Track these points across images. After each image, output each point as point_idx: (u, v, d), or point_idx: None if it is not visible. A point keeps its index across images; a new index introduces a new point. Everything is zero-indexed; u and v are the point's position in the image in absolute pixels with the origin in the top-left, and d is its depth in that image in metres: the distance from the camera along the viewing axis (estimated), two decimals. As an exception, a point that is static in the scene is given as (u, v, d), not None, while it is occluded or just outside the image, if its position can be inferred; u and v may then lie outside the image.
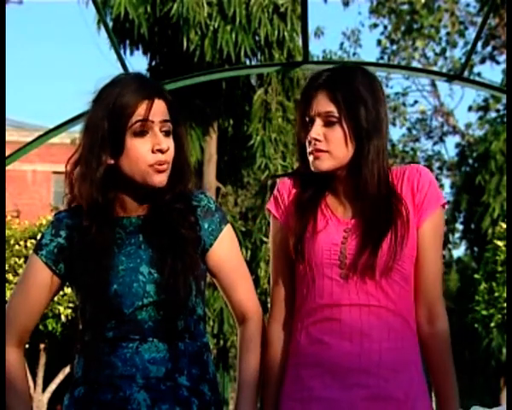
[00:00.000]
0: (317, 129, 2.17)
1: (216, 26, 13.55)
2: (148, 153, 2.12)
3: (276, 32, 13.77)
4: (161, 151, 2.13)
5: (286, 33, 13.84)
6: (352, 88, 2.16)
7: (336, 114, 2.15)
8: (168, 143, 2.15)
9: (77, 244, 2.17)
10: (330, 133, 2.16)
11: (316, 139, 2.17)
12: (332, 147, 2.16)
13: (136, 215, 2.20)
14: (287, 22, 13.82)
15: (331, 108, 2.16)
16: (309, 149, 2.19)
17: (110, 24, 13.53)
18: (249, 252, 14.34)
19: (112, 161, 2.14)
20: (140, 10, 13.61)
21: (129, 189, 2.18)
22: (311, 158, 2.19)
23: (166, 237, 2.15)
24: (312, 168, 2.20)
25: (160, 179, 2.14)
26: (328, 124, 2.17)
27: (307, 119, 2.20)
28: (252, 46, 13.72)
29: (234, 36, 13.53)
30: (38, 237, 2.13)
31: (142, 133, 2.12)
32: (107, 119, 2.11)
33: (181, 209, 2.18)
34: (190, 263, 2.16)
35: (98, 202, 2.14)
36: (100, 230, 2.14)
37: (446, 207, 2.30)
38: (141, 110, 2.11)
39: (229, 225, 2.27)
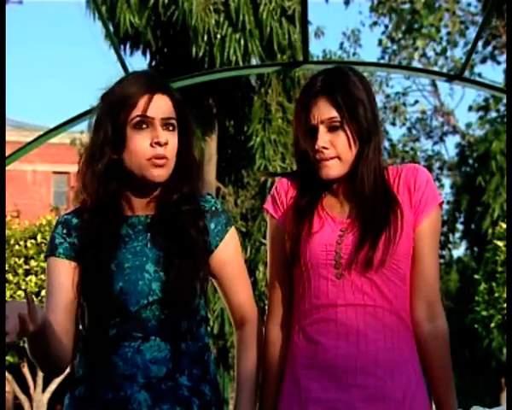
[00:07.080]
0: (324, 137, 2.16)
1: (223, 33, 13.49)
2: (147, 147, 2.13)
3: (287, 36, 13.70)
4: (159, 144, 2.12)
5: (294, 37, 13.73)
6: (349, 90, 2.18)
7: (339, 119, 2.16)
8: (168, 138, 2.15)
9: (81, 239, 2.18)
10: (335, 138, 2.17)
11: (324, 147, 2.16)
12: (340, 151, 2.17)
13: (144, 214, 2.21)
14: (295, 25, 13.71)
15: (333, 113, 2.16)
16: (317, 158, 2.18)
17: (110, 25, 13.50)
18: (248, 253, 14.31)
19: (115, 156, 2.15)
20: (143, 19, 13.53)
21: (132, 185, 2.18)
22: (319, 166, 2.18)
23: (174, 240, 2.15)
24: (323, 177, 2.19)
25: (159, 173, 2.14)
26: (331, 129, 2.17)
27: (309, 127, 2.19)
28: (260, 54, 13.64)
29: (243, 43, 13.46)
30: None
31: (141, 127, 2.13)
32: (110, 113, 2.13)
33: (190, 211, 2.19)
34: (197, 267, 2.16)
35: (100, 195, 2.15)
36: (102, 223, 2.15)
37: (443, 205, 2.31)
38: (140, 105, 2.12)
39: (233, 228, 2.28)
